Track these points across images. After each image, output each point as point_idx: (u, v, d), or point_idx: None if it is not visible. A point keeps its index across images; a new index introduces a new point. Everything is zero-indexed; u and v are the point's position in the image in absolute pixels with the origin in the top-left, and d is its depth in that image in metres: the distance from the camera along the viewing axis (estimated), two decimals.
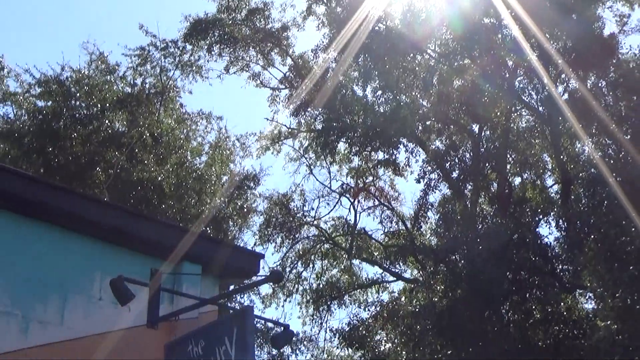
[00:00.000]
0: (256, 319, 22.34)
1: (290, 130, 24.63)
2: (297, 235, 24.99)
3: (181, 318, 7.39)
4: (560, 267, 22.07)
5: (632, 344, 17.76)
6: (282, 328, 10.51)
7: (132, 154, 22.53)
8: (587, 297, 21.98)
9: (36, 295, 6.81)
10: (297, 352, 25.13)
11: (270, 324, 23.34)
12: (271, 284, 22.39)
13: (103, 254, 7.36)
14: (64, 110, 22.63)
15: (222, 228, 23.68)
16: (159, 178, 22.23)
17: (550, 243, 22.71)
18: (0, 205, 6.81)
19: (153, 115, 23.49)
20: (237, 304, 20.76)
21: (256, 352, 22.92)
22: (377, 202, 25.66)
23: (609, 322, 19.00)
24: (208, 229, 22.96)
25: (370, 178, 25.29)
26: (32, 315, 6.73)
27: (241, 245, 24.07)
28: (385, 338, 24.36)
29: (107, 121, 23.06)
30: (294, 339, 24.13)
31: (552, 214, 22.98)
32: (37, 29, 52.06)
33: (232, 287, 10.33)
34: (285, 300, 25.56)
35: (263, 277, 9.54)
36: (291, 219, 24.81)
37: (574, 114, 19.89)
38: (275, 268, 24.71)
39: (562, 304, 21.13)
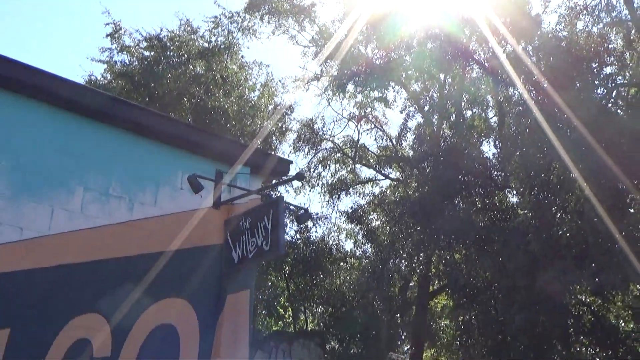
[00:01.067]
0: (286, 204, 24.10)
1: (315, 75, 25.37)
2: (318, 147, 26.37)
3: (235, 203, 7.49)
4: (495, 173, 21.96)
5: (540, 226, 17.78)
6: (304, 210, 11.32)
7: (208, 89, 23.95)
8: (512, 194, 22.28)
9: (139, 185, 6.99)
10: (316, 226, 26.28)
11: (295, 208, 24.85)
12: (297, 181, 22.67)
13: (185, 159, 7.40)
14: (161, 58, 24.03)
15: (268, 142, 24.98)
16: (226, 106, 23.68)
17: (489, 156, 22.98)
18: (121, 126, 6.92)
19: (222, 63, 24.81)
20: (274, 194, 21.15)
21: (286, 228, 24.47)
22: (372, 126, 26.77)
23: (525, 211, 19.78)
24: (257, 142, 24.38)
25: (369, 109, 26.49)
26: (135, 198, 6.91)
27: (279, 154, 25.90)
28: (375, 217, 25.88)
29: (190, 66, 24.43)
30: (314, 217, 25.49)
31: (491, 136, 24.03)
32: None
33: (272, 182, 10.24)
34: (309, 191, 26.87)
35: (292, 176, 9.85)
36: (315, 136, 26.11)
37: (511, 68, 19.68)
38: (301, 170, 25.42)
39: (495, 198, 21.80)
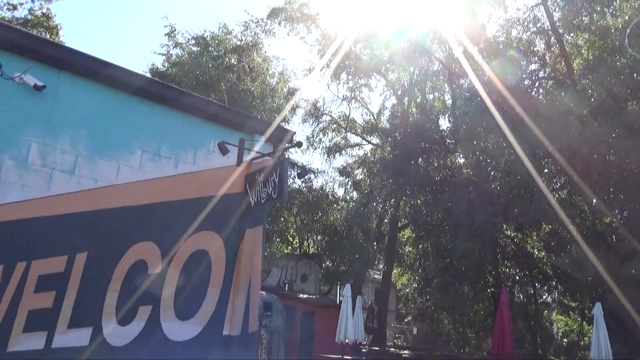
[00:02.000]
0: (292, 163, 24.65)
1: (318, 67, 24.86)
2: (320, 120, 26.23)
3: (253, 162, 7.43)
4: (448, 141, 21.90)
5: (479, 181, 17.78)
6: (303, 168, 11.14)
7: (239, 76, 23.77)
8: (460, 157, 21.97)
9: (182, 149, 6.92)
10: (317, 177, 26.39)
11: (299, 166, 24.36)
12: (297, 147, 23.50)
13: (215, 130, 7.29)
14: (205, 52, 24.00)
15: (282, 116, 24.04)
16: (252, 89, 23.48)
17: (444, 129, 22.82)
18: (169, 105, 6.89)
19: (250, 57, 24.77)
20: (284, 155, 21.55)
21: (290, 180, 25.26)
22: (360, 105, 26.71)
23: (468, 170, 19.50)
24: (273, 116, 24.55)
25: (357, 92, 26.14)
26: (179, 159, 6.86)
27: (291, 125, 25.52)
28: (359, 172, 25.96)
29: (226, 59, 24.35)
30: (315, 171, 25.72)
31: (446, 114, 23.56)
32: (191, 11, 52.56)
33: (280, 147, 8.85)
34: (313, 152, 26.70)
35: (294, 144, 9.15)
36: (317, 111, 25.92)
37: (464, 63, 19.60)
38: (307, 137, 26.05)
39: (447, 159, 21.73)
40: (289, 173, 9.42)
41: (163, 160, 6.76)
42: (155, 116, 6.85)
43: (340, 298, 18.20)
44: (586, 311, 19.95)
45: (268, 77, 25.61)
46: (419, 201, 21.57)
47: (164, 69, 24.87)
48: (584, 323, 21.14)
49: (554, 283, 21.40)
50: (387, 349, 21.15)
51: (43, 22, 21.52)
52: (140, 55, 78.51)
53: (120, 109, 6.53)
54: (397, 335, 30.22)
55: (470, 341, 25.23)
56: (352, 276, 22.93)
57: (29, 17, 21.19)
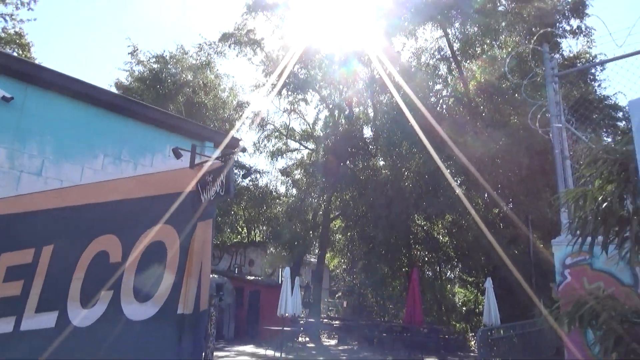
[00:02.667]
0: (240, 165, 24.66)
1: (263, 84, 24.56)
2: (264, 128, 25.70)
3: (204, 165, 7.07)
4: (370, 147, 22.29)
5: (395, 179, 18.09)
6: (247, 170, 10.90)
7: (194, 90, 23.33)
8: (380, 159, 21.79)
9: (141, 153, 6.58)
10: (262, 177, 26.41)
11: (245, 168, 24.88)
12: (243, 152, 23.32)
13: (171, 137, 6.98)
14: (164, 69, 23.32)
15: (232, 124, 24.47)
16: (206, 101, 23.23)
17: (368, 136, 23.20)
18: (129, 115, 6.60)
19: (204, 74, 24.16)
20: (230, 159, 21.27)
21: (238, 180, 24.04)
22: (298, 116, 26.44)
23: (386, 171, 20.02)
24: (224, 125, 24.20)
25: (296, 105, 25.89)
26: (138, 162, 6.53)
27: (239, 132, 25.48)
28: (298, 172, 25.76)
29: (183, 75, 23.71)
30: (260, 171, 25.84)
31: (369, 124, 23.80)
32: (149, 33, 50.76)
33: (227, 152, 7.58)
34: (259, 155, 26.30)
35: (240, 149, 9.13)
36: (262, 121, 25.36)
37: (387, 81, 20.01)
38: (247, 146, 25.46)
39: (370, 162, 21.81)
40: (236, 174, 9.25)
41: (123, 163, 6.47)
42: (117, 125, 6.54)
43: (282, 279, 18.11)
44: (480, 285, 20.63)
45: (220, 91, 25.19)
46: (347, 196, 21.76)
47: (128, 83, 24.12)
48: (479, 294, 21.87)
49: (455, 262, 22.10)
50: (321, 319, 21.27)
51: (15, 39, 20.27)
52: (105, 71, 75.26)
53: (85, 119, 6.21)
54: (330, 308, 30.45)
55: (390, 312, 25.62)
56: (292, 260, 22.92)
57: (2, 34, 19.90)
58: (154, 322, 6.31)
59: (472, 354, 15.06)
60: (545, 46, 6.00)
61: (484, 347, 12.10)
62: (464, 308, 22.90)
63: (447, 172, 18.25)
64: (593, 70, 18.64)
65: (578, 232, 4.10)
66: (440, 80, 20.04)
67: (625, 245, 3.65)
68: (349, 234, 23.20)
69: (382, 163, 22.35)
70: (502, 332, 13.71)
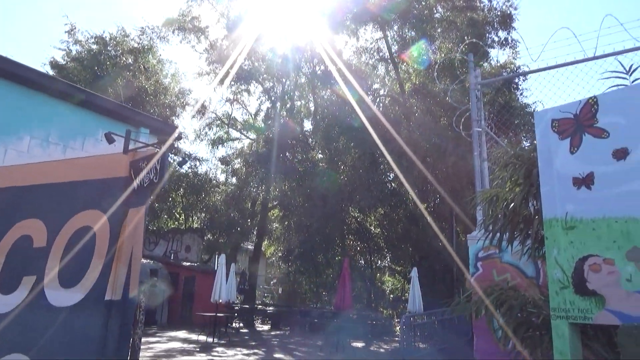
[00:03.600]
0: (178, 152, 23.93)
1: (207, 72, 24.11)
2: (206, 116, 25.01)
3: (138, 151, 5.72)
4: (310, 139, 22.26)
5: (331, 173, 18.43)
6: (183, 158, 10.38)
7: (134, 74, 22.17)
8: (319, 152, 22.16)
9: (71, 137, 6.30)
10: (202, 164, 25.62)
11: (182, 156, 23.59)
12: (178, 140, 21.97)
13: (104, 121, 6.65)
14: (103, 51, 22.14)
15: (174, 111, 23.75)
16: (146, 87, 22.12)
17: (308, 129, 23.40)
18: (59, 97, 6.20)
19: (145, 58, 23.11)
20: (165, 146, 20.56)
21: (177, 167, 24.35)
22: (240, 106, 26.04)
23: (323, 164, 21.27)
24: (165, 111, 23.18)
25: (239, 95, 25.47)
26: (68, 145, 6.27)
27: (180, 119, 24.65)
28: (238, 162, 25.17)
29: (123, 57, 22.57)
30: (200, 159, 25.00)
31: (310, 118, 24.16)
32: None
33: (162, 139, 9.25)
34: (200, 143, 26.35)
35: (177, 136, 8.54)
36: (204, 109, 24.89)
37: (335, 75, 20.11)
38: (188, 133, 25.24)
39: (309, 154, 21.63)
40: (174, 161, 8.92)
41: (51, 146, 6.08)
42: (45, 106, 6.14)
43: (217, 265, 17.84)
44: (407, 274, 21.32)
45: (162, 77, 24.13)
46: (285, 187, 21.71)
47: (64, 62, 22.49)
48: (406, 283, 22.62)
49: (385, 252, 22.73)
50: (255, 305, 21.20)
51: None
52: (40, 47, 70.17)
53: (8, 98, 5.79)
54: (265, 294, 30.46)
55: (323, 298, 25.94)
56: (229, 247, 22.65)
57: None
58: (80, 309, 6.02)
59: (396, 339, 15.57)
60: (471, 56, 6.26)
61: (407, 332, 12.64)
62: (392, 296, 23.60)
63: (379, 168, 18.64)
64: (517, 80, 19.62)
65: (490, 228, 4.36)
66: (378, 80, 20.40)
67: (528, 242, 3.91)
68: (286, 223, 23.21)
69: (320, 156, 22.48)
70: (425, 318, 14.38)
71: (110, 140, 6.60)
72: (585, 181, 2.93)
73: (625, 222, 2.72)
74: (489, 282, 5.38)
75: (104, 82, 20.88)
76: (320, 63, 22.60)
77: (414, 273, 15.07)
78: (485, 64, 19.30)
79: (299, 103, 24.99)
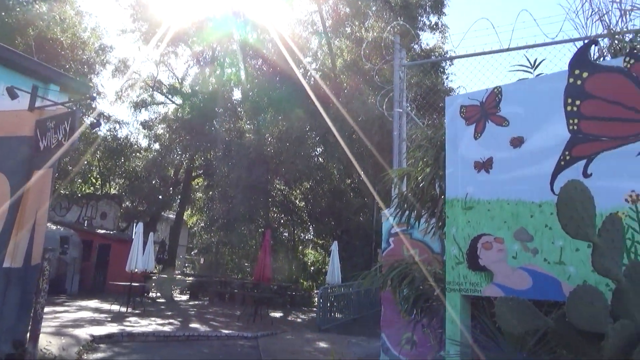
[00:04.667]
0: (94, 112, 22.26)
1: (131, 29, 22.53)
2: (129, 77, 23.36)
3: (46, 109, 6.42)
4: (239, 109, 21.83)
5: (258, 144, 18.08)
6: (97, 119, 9.76)
7: (49, 24, 20.06)
8: (247, 123, 21.28)
9: None
10: (122, 127, 24.34)
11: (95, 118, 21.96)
12: (91, 100, 21.08)
13: (8, 75, 6.08)
14: None
15: (92, 69, 21.82)
16: (62, 39, 20.11)
17: (237, 99, 22.60)
18: None
19: (62, 7, 21.10)
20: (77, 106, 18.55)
21: (83, 130, 22.44)
22: (167, 69, 24.66)
23: (250, 134, 21.17)
24: (83, 68, 21.88)
25: (165, 57, 23.95)
26: None
27: (100, 78, 23.43)
28: (162, 127, 23.78)
29: (36, 5, 20.30)
30: (121, 122, 23.73)
31: (239, 87, 22.65)
32: None
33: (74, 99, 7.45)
34: (121, 104, 24.10)
35: (89, 96, 8.04)
36: (128, 69, 23.00)
37: (262, 46, 21.03)
38: (107, 93, 23.76)
39: (236, 124, 21.48)
40: (87, 122, 8.40)
41: None
42: None
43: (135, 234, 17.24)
44: (328, 247, 21.89)
45: (80, 30, 22.10)
46: (210, 156, 21.29)
47: None
48: (326, 256, 23.21)
49: (308, 225, 23.09)
50: (174, 276, 20.83)
51: None
52: None
53: None
54: (186, 264, 30.03)
55: (245, 269, 25.98)
56: (149, 215, 21.92)
57: None
58: None
59: (314, 309, 16.04)
60: (397, 37, 6.40)
61: (324, 302, 13.07)
62: (312, 268, 24.13)
63: (306, 143, 18.76)
64: (444, 64, 20.35)
65: (401, 206, 4.58)
66: (311, 54, 20.30)
67: (433, 220, 4.16)
68: (210, 192, 22.83)
69: (248, 127, 22.15)
70: (342, 290, 14.92)
71: (12, 95, 6.12)
72: (485, 165, 3.15)
73: (515, 204, 2.97)
74: (398, 256, 5.67)
75: (12, 30, 18.87)
76: (253, 31, 22.13)
77: (334, 247, 15.49)
78: (416, 46, 19.84)
79: (229, 70, 23.96)
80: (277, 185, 21.03)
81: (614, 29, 3.50)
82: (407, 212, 4.37)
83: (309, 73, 19.65)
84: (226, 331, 10.52)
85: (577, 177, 2.71)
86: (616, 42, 3.40)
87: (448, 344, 3.00)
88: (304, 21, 19.96)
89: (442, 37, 20.40)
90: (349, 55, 19.08)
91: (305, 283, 23.06)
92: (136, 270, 13.30)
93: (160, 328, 10.24)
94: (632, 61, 2.66)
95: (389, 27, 14.00)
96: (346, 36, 19.28)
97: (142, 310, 12.83)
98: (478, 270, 3.05)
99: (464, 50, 6.61)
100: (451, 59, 15.62)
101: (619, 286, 1.94)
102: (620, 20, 3.55)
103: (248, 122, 21.95)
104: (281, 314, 15.12)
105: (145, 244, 13.86)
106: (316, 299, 19.39)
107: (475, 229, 3.11)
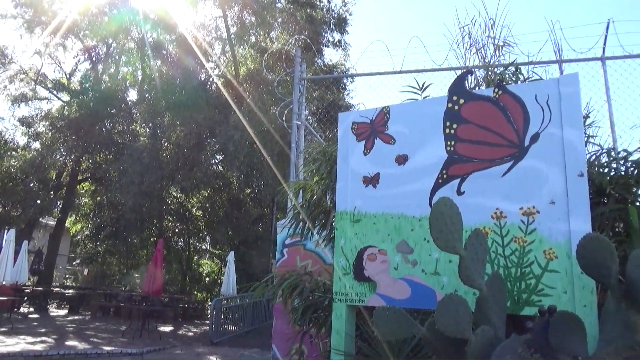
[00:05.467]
0: None
1: (13, 15, 20.35)
2: (7, 67, 21.21)
3: None
4: (134, 111, 20.42)
5: (152, 148, 17.36)
6: None
7: None
8: (142, 125, 20.19)
9: None
10: None
11: None
12: None
13: None
14: None
15: None
16: None
17: (133, 100, 21.24)
18: None
19: None
20: None
21: None
22: (53, 62, 22.71)
23: (145, 138, 20.37)
24: None
25: (52, 49, 21.91)
26: None
27: None
28: (43, 124, 21.46)
29: None
30: None
31: (136, 88, 22.15)
32: None
33: None
34: None
35: None
36: (6, 58, 21.04)
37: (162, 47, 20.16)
38: None
39: (131, 127, 20.99)
40: None
41: None
42: None
43: (4, 242, 15.51)
44: (225, 257, 21.49)
45: None
46: (99, 158, 19.93)
47: None
48: (223, 266, 22.77)
49: (204, 235, 22.48)
50: (51, 288, 19.02)
51: None
52: None
53: None
54: (67, 276, 27.76)
55: (135, 281, 24.57)
56: (24, 221, 19.84)
57: None
58: None
59: (207, 321, 15.56)
60: (298, 50, 6.53)
61: (217, 314, 12.74)
62: (208, 279, 23.51)
63: (205, 150, 18.34)
64: (345, 81, 21.11)
65: (295, 217, 4.65)
66: (214, 60, 19.97)
67: (324, 232, 4.27)
68: (98, 198, 21.32)
69: (143, 130, 21.11)
70: (237, 301, 14.67)
71: None
72: (372, 180, 3.31)
73: (398, 218, 3.15)
74: (292, 267, 5.74)
75: None
76: (154, 30, 21.25)
77: (231, 257, 15.26)
78: (320, 61, 20.39)
79: (125, 70, 23.07)
80: (173, 193, 20.21)
81: (488, 61, 3.88)
82: (300, 224, 4.44)
83: (211, 79, 19.29)
84: (108, 348, 9.81)
85: (452, 194, 2.96)
86: (490, 73, 3.78)
87: (332, 354, 3.08)
88: (207, 26, 19.62)
89: (344, 55, 21.19)
90: (252, 65, 19.07)
91: (199, 295, 22.33)
92: (4, 282, 11.93)
93: (30, 347, 9.26)
94: (500, 92, 2.97)
95: (292, 40, 14.25)
96: (251, 45, 19.27)
97: (9, 328, 11.52)
98: (363, 280, 3.18)
99: (365, 69, 6.95)
100: (350, 76, 16.30)
101: (481, 295, 2.13)
102: (494, 54, 3.96)
103: (144, 125, 20.89)
104: (172, 328, 14.47)
105: (17, 253, 12.51)
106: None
107: (362, 241, 3.25)
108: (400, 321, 2.20)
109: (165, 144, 17.92)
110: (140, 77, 22.58)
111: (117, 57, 22.40)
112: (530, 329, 2.03)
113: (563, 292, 2.56)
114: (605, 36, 6.33)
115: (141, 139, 19.26)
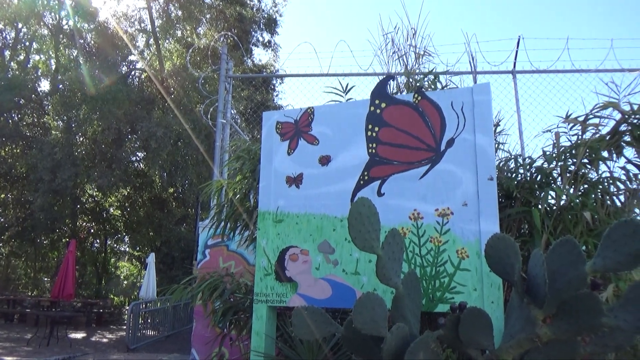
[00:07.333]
0: None
1: None
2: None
3: None
4: (45, 102, 18.62)
5: (66, 142, 16.66)
6: None
7: None
8: (52, 117, 18.19)
9: None
10: None
11: None
12: None
13: None
14: None
15: None
16: None
17: (45, 91, 19.76)
18: None
19: None
20: None
21: None
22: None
23: (57, 132, 18.92)
24: None
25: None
26: None
27: None
28: None
29: None
30: None
31: (48, 78, 20.27)
32: None
33: None
34: None
35: None
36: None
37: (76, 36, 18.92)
38: None
39: (43, 119, 19.87)
40: None
41: None
42: None
43: None
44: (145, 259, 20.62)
45: None
46: (4, 153, 18.30)
47: None
48: (142, 269, 21.81)
49: (123, 236, 21.40)
50: None
51: None
52: None
53: None
54: None
55: (44, 285, 22.85)
56: None
57: None
58: None
59: (124, 327, 14.78)
60: (225, 48, 6.39)
61: (134, 319, 12.12)
62: (126, 282, 22.42)
63: (125, 146, 17.45)
64: (274, 82, 21.01)
65: (217, 217, 4.53)
66: (137, 52, 19.06)
67: (247, 232, 4.20)
68: (2, 195, 19.52)
69: (56, 123, 19.69)
70: (157, 304, 14.06)
71: None
72: (295, 180, 3.30)
73: (320, 218, 3.16)
74: (214, 268, 5.59)
75: None
76: (71, 17, 19.90)
77: (151, 258, 14.61)
78: (249, 61, 20.14)
79: (37, 58, 21.23)
80: (89, 191, 19.02)
81: (410, 68, 4.02)
82: (222, 224, 4.34)
83: (133, 72, 18.41)
84: (9, 358, 9.00)
85: (373, 195, 3.02)
86: (411, 80, 3.91)
87: (252, 356, 3.03)
88: (131, 16, 18.67)
89: (274, 56, 21.09)
90: (178, 60, 18.43)
91: (116, 299, 21.22)
92: None
93: None
94: (419, 97, 3.07)
95: (220, 37, 13.94)
96: (177, 39, 18.62)
97: None
98: (285, 281, 3.15)
99: (294, 70, 6.94)
100: (278, 76, 16.28)
101: (397, 293, 2.19)
102: (415, 62, 4.10)
103: (56, 117, 19.46)
104: (84, 335, 13.58)
105: None
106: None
107: (285, 241, 3.22)
108: (317, 320, 2.20)
109: (81, 139, 16.81)
110: (53, 67, 21.05)
111: (27, 44, 20.62)
112: (442, 325, 2.10)
113: (473, 289, 2.70)
114: (516, 51, 6.82)
115: (53, 132, 17.89)
